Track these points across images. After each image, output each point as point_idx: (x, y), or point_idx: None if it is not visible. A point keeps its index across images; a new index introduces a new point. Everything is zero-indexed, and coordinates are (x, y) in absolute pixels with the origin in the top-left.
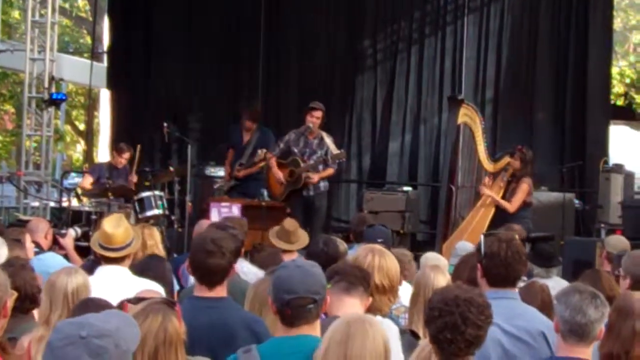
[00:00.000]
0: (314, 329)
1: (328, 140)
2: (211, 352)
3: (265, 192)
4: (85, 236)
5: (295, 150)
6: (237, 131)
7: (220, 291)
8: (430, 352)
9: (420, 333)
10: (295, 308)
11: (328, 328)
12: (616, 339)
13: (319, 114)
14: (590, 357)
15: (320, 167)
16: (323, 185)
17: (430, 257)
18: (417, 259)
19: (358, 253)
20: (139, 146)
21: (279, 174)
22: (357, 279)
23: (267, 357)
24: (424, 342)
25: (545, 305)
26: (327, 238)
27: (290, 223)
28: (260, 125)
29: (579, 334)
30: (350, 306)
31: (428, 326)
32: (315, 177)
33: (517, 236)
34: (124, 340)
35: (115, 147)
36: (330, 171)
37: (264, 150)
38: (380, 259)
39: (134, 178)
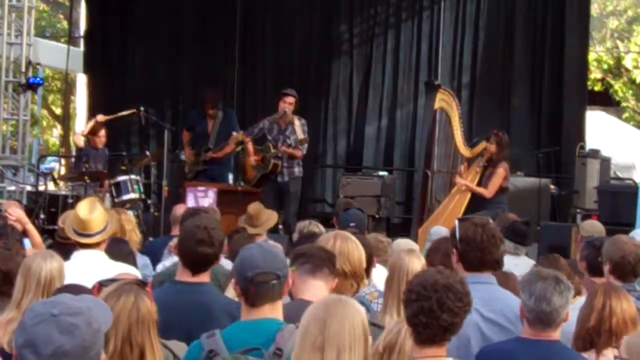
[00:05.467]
0: (276, 310)
1: (297, 124)
2: (191, 337)
3: (231, 176)
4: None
5: (269, 137)
6: (198, 116)
7: (203, 277)
8: (397, 333)
9: (395, 316)
10: (258, 284)
11: (296, 310)
12: (580, 324)
13: (291, 99)
14: (558, 337)
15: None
16: (298, 170)
17: (401, 243)
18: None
19: (321, 238)
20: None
21: (251, 157)
22: (322, 260)
23: (230, 341)
24: (392, 324)
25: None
26: None
27: (253, 207)
28: (223, 107)
29: (544, 321)
30: (315, 288)
31: (405, 308)
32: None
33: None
34: (96, 320)
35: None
36: (298, 153)
37: (241, 132)
38: (342, 244)
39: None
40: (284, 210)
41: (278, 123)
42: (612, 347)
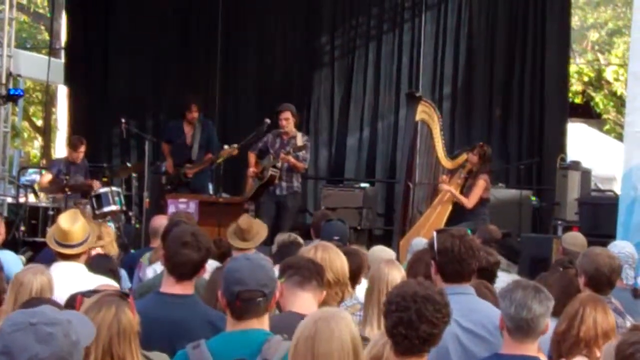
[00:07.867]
0: (262, 323)
1: (299, 138)
2: (172, 348)
3: (211, 187)
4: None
5: (271, 151)
6: (175, 128)
7: (187, 288)
8: (383, 345)
9: (375, 327)
10: (244, 301)
11: (285, 323)
12: (553, 331)
13: (285, 114)
14: (535, 353)
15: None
16: (297, 185)
17: (377, 250)
18: None
19: (302, 249)
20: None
21: (251, 169)
22: (311, 272)
23: (216, 352)
24: (377, 336)
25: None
26: None
27: (244, 221)
28: (201, 118)
29: (525, 329)
30: (304, 301)
31: (385, 319)
32: (289, 157)
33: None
34: (75, 332)
35: (69, 143)
36: (299, 165)
37: (235, 145)
38: (323, 253)
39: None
40: (279, 224)
41: (281, 137)
42: (581, 355)
